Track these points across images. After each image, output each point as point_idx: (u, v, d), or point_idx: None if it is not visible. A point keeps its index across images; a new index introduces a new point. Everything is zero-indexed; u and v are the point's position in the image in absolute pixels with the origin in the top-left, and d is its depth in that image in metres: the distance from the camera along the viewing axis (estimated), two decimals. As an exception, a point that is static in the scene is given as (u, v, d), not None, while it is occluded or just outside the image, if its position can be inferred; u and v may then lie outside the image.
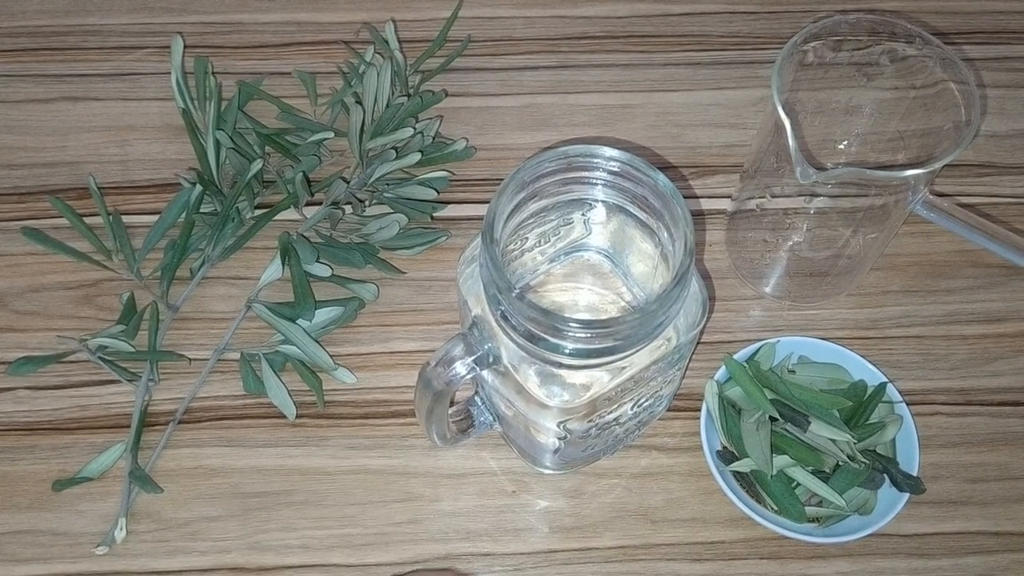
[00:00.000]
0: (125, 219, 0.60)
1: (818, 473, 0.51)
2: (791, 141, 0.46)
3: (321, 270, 0.57)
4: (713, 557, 0.52)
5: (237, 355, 0.56)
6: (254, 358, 0.56)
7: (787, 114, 0.46)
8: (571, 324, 0.39)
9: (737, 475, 0.52)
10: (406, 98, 0.63)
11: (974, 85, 0.48)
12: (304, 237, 0.58)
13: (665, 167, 0.63)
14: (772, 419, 0.51)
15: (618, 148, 0.43)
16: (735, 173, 0.63)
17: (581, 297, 0.50)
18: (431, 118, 0.63)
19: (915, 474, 0.51)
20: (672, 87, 0.67)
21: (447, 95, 0.65)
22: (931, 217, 0.51)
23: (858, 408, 0.53)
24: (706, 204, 0.62)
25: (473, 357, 0.43)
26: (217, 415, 0.55)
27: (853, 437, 0.51)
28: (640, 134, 0.64)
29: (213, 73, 0.65)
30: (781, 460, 0.51)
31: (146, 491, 0.53)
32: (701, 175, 0.63)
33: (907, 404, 0.53)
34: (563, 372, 0.43)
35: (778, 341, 0.54)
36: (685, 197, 0.56)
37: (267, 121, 0.63)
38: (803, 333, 0.58)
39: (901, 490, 0.51)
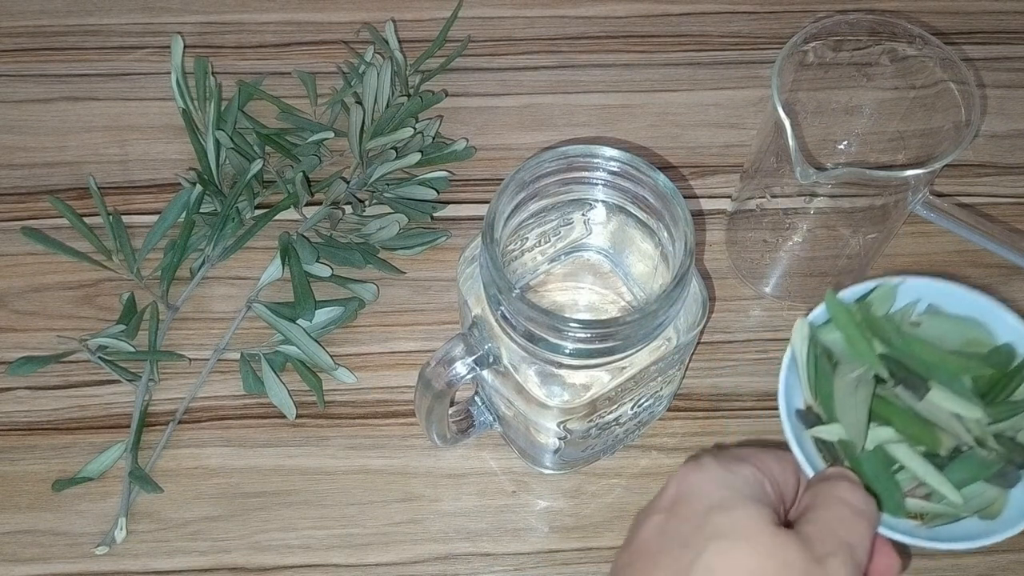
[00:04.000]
0: (125, 219, 0.60)
1: (931, 457, 0.40)
2: (791, 141, 0.46)
3: (321, 270, 0.57)
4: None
5: (237, 355, 0.56)
6: (254, 358, 0.55)
7: (787, 114, 0.46)
8: (571, 324, 0.39)
9: (820, 445, 0.41)
10: (406, 98, 0.63)
11: (974, 85, 0.48)
12: (304, 237, 0.58)
13: (665, 167, 0.63)
14: (878, 379, 0.40)
15: (618, 148, 0.43)
16: (735, 173, 0.63)
17: (581, 297, 0.50)
18: (431, 118, 0.63)
19: None
20: (672, 87, 0.67)
21: (447, 95, 0.65)
22: (931, 217, 0.51)
23: (999, 379, 0.41)
24: (706, 204, 0.62)
25: (473, 357, 0.43)
26: (217, 415, 0.55)
27: (987, 415, 0.39)
28: (640, 134, 0.64)
29: (213, 73, 0.65)
30: (882, 433, 0.40)
31: (146, 491, 0.53)
32: (701, 175, 0.63)
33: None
34: (563, 372, 0.43)
35: (903, 280, 0.42)
36: (685, 197, 0.56)
37: (267, 121, 0.63)
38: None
39: None
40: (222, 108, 0.62)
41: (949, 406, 0.39)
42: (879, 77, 0.53)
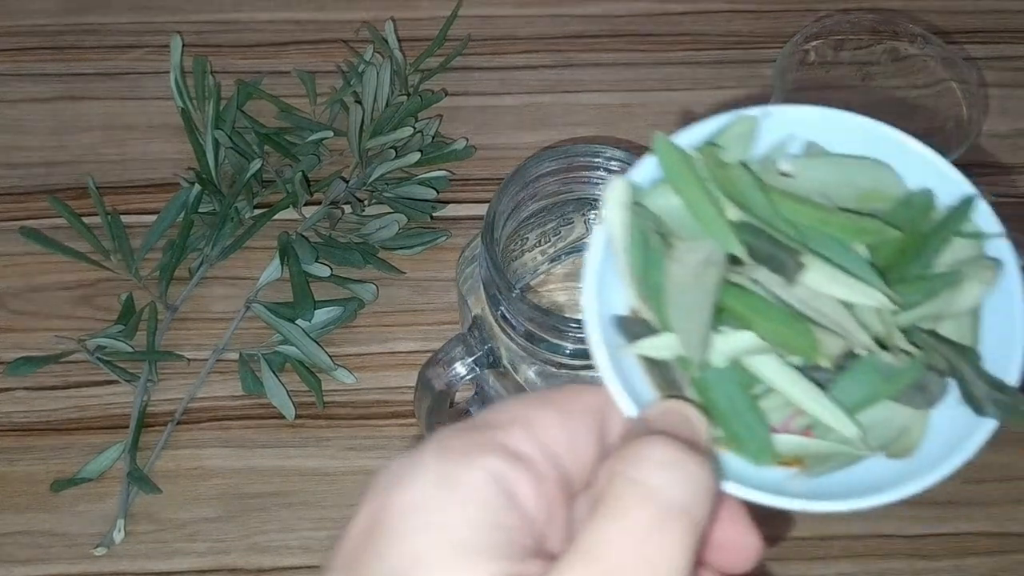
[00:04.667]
0: (124, 219, 0.60)
1: (811, 371, 0.28)
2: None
3: (320, 270, 0.57)
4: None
5: (236, 355, 0.56)
6: (253, 358, 0.55)
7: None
8: (571, 324, 0.39)
9: (650, 367, 0.28)
10: (406, 97, 0.62)
11: (976, 84, 0.48)
12: (303, 237, 0.58)
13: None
14: (733, 261, 0.28)
15: (619, 147, 0.42)
16: (736, 172, 0.63)
17: (581, 297, 0.50)
18: (431, 117, 0.63)
19: (1012, 382, 0.28)
20: (673, 86, 0.66)
21: (447, 94, 0.65)
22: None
23: (911, 245, 0.28)
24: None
25: (473, 357, 0.43)
26: (216, 416, 0.55)
27: (893, 301, 0.27)
28: (641, 134, 0.64)
29: (212, 72, 0.65)
30: (738, 340, 0.27)
31: (145, 492, 0.52)
32: (702, 174, 0.63)
33: (1017, 246, 0.30)
34: (563, 372, 0.43)
35: (766, 112, 0.30)
36: None
37: (266, 120, 0.63)
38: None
39: (981, 412, 0.27)
40: (221, 107, 0.61)
41: (835, 291, 0.27)
42: (880, 76, 0.53)
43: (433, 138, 0.62)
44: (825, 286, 0.27)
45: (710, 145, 0.30)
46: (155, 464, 0.54)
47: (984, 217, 0.29)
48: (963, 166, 0.64)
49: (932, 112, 0.51)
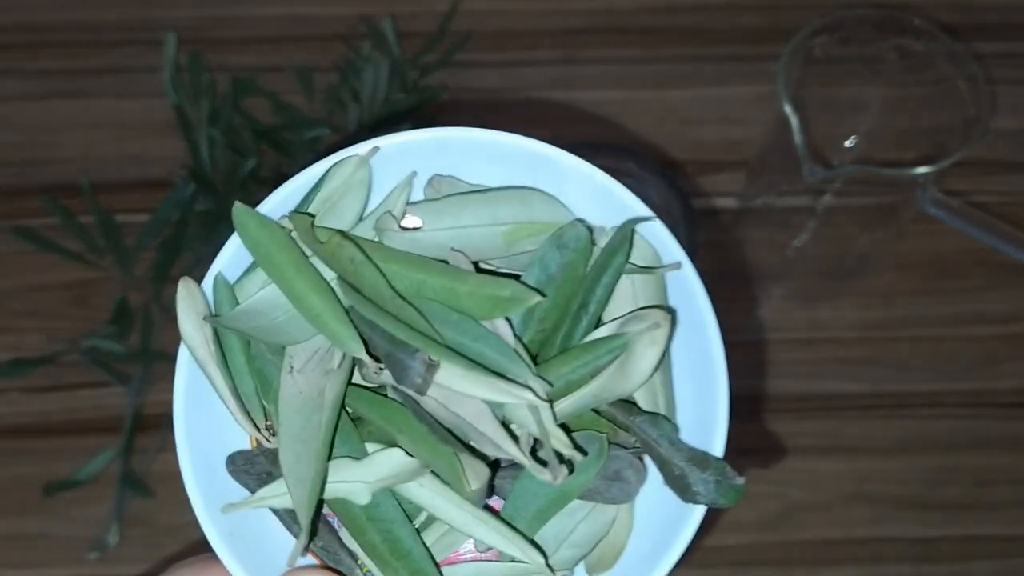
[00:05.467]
0: (118, 217, 0.59)
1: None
2: (798, 138, 0.45)
3: (317, 270, 0.56)
4: (715, 563, 0.51)
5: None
6: (249, 359, 0.55)
7: (794, 111, 0.45)
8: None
9: (283, 515, 0.24)
10: (404, 93, 0.62)
11: (983, 81, 0.47)
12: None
13: (670, 164, 0.62)
14: (358, 362, 0.23)
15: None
16: (741, 170, 0.62)
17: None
18: (430, 114, 0.62)
19: (718, 450, 0.24)
20: (677, 83, 0.66)
21: (447, 90, 0.64)
22: (940, 216, 0.50)
23: (565, 303, 0.23)
24: (712, 202, 0.61)
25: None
26: (211, 418, 0.54)
27: (543, 396, 0.22)
28: (644, 130, 0.63)
29: (207, 69, 0.64)
30: (385, 463, 0.22)
31: (138, 495, 0.52)
32: (706, 172, 0.62)
33: (699, 274, 0.24)
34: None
35: (374, 149, 0.25)
36: (690, 195, 0.55)
37: (262, 117, 0.62)
38: (797, 331, 0.56)
39: (687, 497, 0.23)
40: (216, 104, 0.61)
41: (475, 390, 0.21)
42: (887, 73, 0.53)
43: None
44: (463, 386, 0.21)
45: (301, 214, 0.24)
46: (149, 467, 0.53)
47: (663, 241, 0.23)
48: (971, 164, 0.62)
49: (939, 109, 0.51)
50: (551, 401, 0.22)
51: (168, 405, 0.55)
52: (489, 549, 0.23)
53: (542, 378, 0.22)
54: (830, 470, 0.54)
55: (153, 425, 0.54)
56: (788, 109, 0.46)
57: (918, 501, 0.50)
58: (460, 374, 0.21)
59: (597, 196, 0.24)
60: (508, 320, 0.22)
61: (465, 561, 0.23)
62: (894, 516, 0.53)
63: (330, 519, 0.23)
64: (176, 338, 0.58)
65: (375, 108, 0.61)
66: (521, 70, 0.66)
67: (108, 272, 0.58)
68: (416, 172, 0.24)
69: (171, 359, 0.55)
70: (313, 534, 0.22)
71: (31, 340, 0.56)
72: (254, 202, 0.26)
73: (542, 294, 0.22)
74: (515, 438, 0.21)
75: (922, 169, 0.45)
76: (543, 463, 0.21)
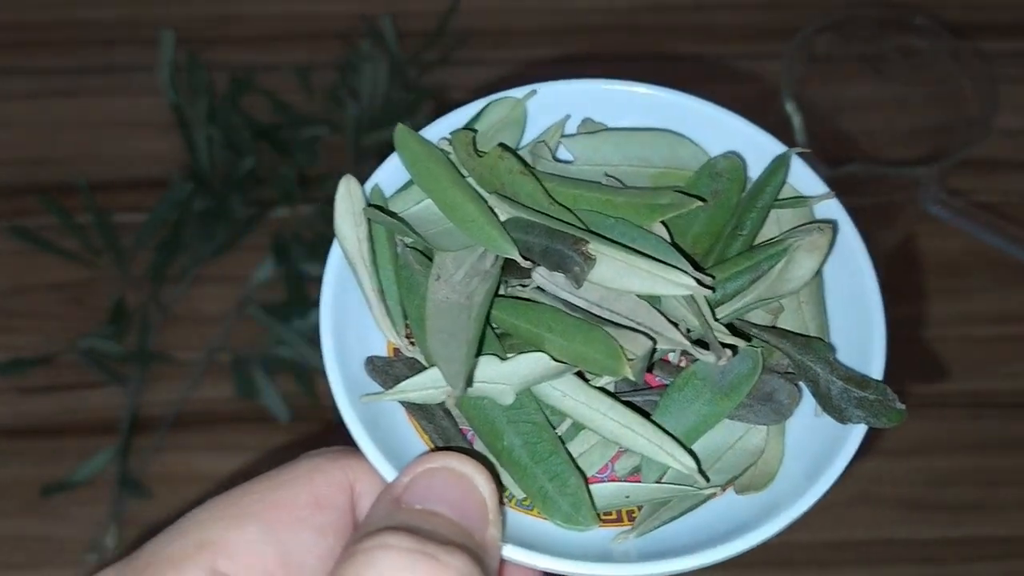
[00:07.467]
0: (115, 217, 0.59)
1: (630, 395, 0.22)
2: (800, 136, 0.45)
3: (315, 269, 0.56)
4: (716, 563, 0.51)
5: (229, 357, 0.55)
6: (246, 360, 0.55)
7: (796, 109, 0.45)
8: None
9: (421, 415, 0.23)
10: (404, 92, 0.62)
11: (987, 80, 0.47)
12: (298, 235, 0.57)
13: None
14: (509, 267, 0.23)
15: None
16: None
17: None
18: (429, 112, 0.62)
19: (876, 372, 0.24)
20: (677, 82, 0.65)
21: (446, 89, 0.64)
22: (944, 216, 0.50)
23: (722, 217, 0.24)
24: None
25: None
26: (208, 418, 0.54)
27: (706, 285, 0.22)
28: (644, 129, 0.63)
29: (206, 67, 0.64)
30: (527, 364, 0.21)
31: (136, 496, 0.52)
32: (706, 171, 0.62)
33: (850, 215, 0.25)
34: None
35: (532, 91, 0.27)
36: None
37: (261, 116, 0.62)
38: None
39: (843, 418, 0.22)
40: (214, 103, 0.61)
41: (634, 284, 0.21)
42: (890, 71, 0.53)
43: (432, 134, 0.62)
44: (620, 280, 0.21)
45: (463, 131, 0.25)
46: (147, 468, 0.53)
47: (806, 179, 0.24)
48: (975, 163, 0.62)
49: (943, 108, 0.50)
50: (713, 289, 0.22)
51: (166, 406, 0.55)
52: (631, 473, 0.22)
53: (703, 270, 0.22)
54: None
55: (151, 426, 0.54)
56: (790, 108, 0.45)
57: (921, 502, 0.50)
58: (620, 265, 0.21)
59: (741, 142, 0.25)
60: (666, 225, 0.22)
61: (603, 482, 0.22)
62: (897, 517, 0.52)
63: (464, 434, 0.23)
64: (175, 338, 0.58)
65: (374, 107, 0.61)
66: (521, 68, 0.66)
67: (106, 272, 0.57)
68: (570, 115, 0.26)
69: (170, 360, 0.55)
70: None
71: (28, 340, 0.56)
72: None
73: (702, 199, 0.23)
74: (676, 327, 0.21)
75: (925, 168, 0.45)
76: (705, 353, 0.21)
